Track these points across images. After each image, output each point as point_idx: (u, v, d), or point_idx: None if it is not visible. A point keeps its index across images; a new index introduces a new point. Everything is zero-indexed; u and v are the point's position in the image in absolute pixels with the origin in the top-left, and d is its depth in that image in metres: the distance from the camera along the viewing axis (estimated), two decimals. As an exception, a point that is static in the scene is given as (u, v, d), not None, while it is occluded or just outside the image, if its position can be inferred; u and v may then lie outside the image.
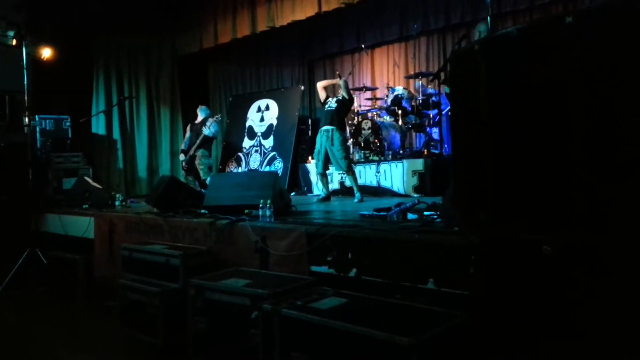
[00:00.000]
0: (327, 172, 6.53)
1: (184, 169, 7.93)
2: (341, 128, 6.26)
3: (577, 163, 1.67)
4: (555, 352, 1.80)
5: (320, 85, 6.65)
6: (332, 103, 6.32)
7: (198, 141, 7.75)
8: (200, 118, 8.05)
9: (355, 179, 6.22)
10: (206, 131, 7.74)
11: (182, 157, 7.99)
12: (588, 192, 1.66)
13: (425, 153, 6.96)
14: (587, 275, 1.70)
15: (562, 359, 1.78)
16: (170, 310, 4.01)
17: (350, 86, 9.09)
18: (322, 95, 6.53)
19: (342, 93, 6.37)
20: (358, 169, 7.18)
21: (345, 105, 6.38)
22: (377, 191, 6.92)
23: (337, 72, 6.94)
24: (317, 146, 6.26)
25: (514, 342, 2.00)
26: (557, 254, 1.70)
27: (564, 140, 1.71)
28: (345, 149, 6.24)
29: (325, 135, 6.16)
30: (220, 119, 8.46)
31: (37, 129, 7.76)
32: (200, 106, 8.22)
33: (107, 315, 5.00)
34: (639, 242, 1.59)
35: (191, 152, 7.75)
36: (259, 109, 9.39)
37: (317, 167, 6.34)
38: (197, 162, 7.73)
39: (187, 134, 8.07)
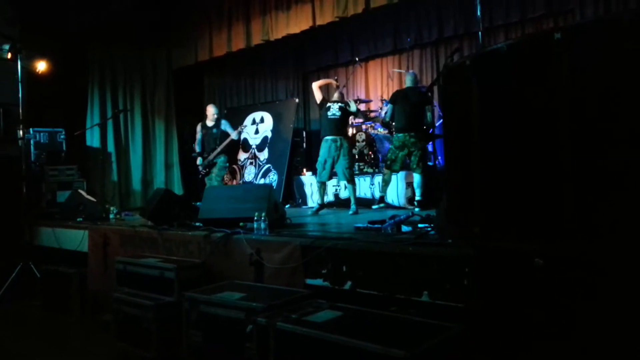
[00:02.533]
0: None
1: (203, 173, 7.69)
2: (347, 137, 6.35)
3: (567, 174, 1.70)
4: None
5: (315, 85, 6.64)
6: (335, 111, 6.29)
7: (221, 147, 7.60)
8: (213, 118, 7.74)
9: (355, 190, 6.27)
10: (235, 136, 7.73)
11: (199, 160, 7.70)
12: (577, 203, 1.68)
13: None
14: (578, 284, 1.71)
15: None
16: (164, 324, 4.00)
17: (344, 98, 9.18)
18: (317, 95, 6.52)
19: (351, 106, 6.37)
20: (353, 181, 7.22)
21: (349, 114, 6.48)
22: (372, 203, 6.94)
23: (336, 78, 7.00)
24: (324, 155, 6.20)
25: (509, 354, 2.01)
26: (548, 264, 1.72)
27: (553, 152, 1.73)
28: (351, 158, 6.34)
29: (333, 144, 6.16)
30: (243, 129, 8.38)
31: (32, 142, 7.74)
32: (210, 105, 7.98)
33: (101, 329, 4.97)
34: (629, 251, 1.62)
35: (211, 158, 7.58)
36: (254, 122, 9.42)
37: (321, 176, 6.28)
38: (215, 169, 7.57)
39: (199, 135, 7.77)
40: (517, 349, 1.88)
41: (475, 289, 2.49)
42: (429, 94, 6.06)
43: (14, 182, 6.91)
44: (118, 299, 4.41)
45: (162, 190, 5.88)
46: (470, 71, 2.02)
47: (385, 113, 6.74)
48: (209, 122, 7.74)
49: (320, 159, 6.25)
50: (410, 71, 6.86)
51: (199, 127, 7.84)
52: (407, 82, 6.39)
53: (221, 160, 7.67)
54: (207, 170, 7.66)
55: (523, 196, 1.80)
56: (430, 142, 6.97)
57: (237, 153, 9.35)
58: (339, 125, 6.26)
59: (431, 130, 6.37)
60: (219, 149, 7.59)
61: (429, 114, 6.12)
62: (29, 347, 4.82)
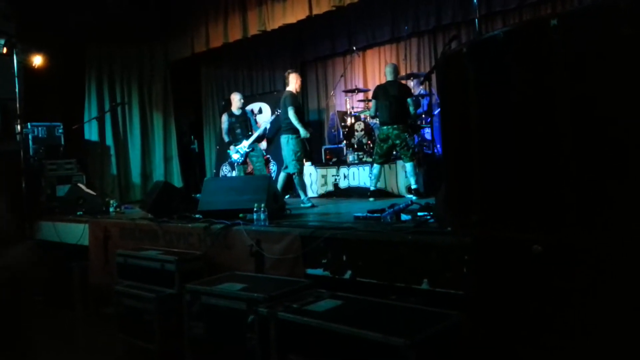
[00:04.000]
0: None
1: (240, 162, 7.47)
2: None
3: (566, 162, 1.70)
4: (550, 352, 1.83)
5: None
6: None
7: (258, 133, 7.48)
8: (240, 105, 7.54)
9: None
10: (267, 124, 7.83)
11: (234, 149, 7.43)
12: (576, 191, 1.68)
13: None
14: (577, 273, 1.72)
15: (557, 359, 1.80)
16: (166, 316, 4.02)
17: (342, 88, 9.16)
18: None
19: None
20: (352, 170, 7.23)
21: None
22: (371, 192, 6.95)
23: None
24: (302, 150, 6.35)
25: (509, 342, 2.02)
26: (547, 252, 1.72)
27: (552, 139, 1.73)
28: None
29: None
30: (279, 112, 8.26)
31: (30, 137, 7.73)
32: (234, 93, 7.83)
33: (103, 322, 5.00)
34: (628, 240, 1.62)
35: (250, 142, 7.37)
36: (252, 113, 9.38)
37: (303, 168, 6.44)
38: (259, 159, 7.44)
39: (226, 124, 7.53)
40: (515, 337, 1.90)
41: (473, 276, 2.50)
42: (423, 84, 6.08)
43: (13, 177, 6.91)
44: (119, 292, 4.43)
45: (161, 182, 5.88)
46: (467, 59, 2.01)
47: (370, 109, 6.84)
48: (236, 110, 7.53)
49: (302, 154, 6.33)
50: (390, 64, 6.87)
51: (225, 117, 7.60)
52: (387, 75, 6.48)
53: (258, 148, 7.57)
54: (244, 159, 7.47)
55: (522, 185, 1.81)
56: (429, 130, 6.98)
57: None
58: None
59: (412, 120, 6.46)
60: (256, 134, 7.41)
61: (411, 107, 6.25)
62: (35, 340, 4.84)
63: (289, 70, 6.60)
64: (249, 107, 9.41)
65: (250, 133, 7.41)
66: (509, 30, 1.87)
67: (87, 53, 9.34)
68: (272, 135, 8.93)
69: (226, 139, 7.59)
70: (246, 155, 7.40)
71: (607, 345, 1.65)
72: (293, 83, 6.34)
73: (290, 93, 6.30)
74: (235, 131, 7.44)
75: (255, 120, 8.25)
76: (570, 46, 1.68)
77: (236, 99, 7.56)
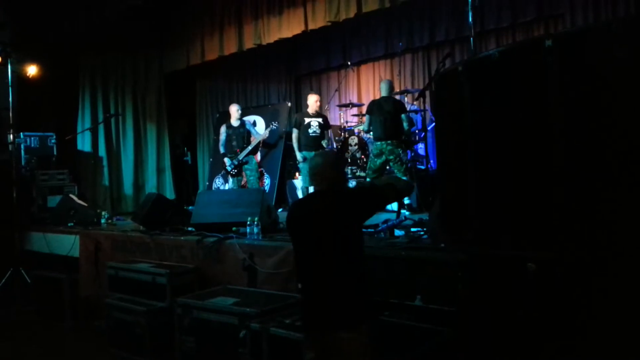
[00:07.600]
0: None
1: (233, 174, 7.55)
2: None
3: (559, 181, 1.71)
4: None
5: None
6: (316, 128, 6.71)
7: (252, 145, 7.49)
8: (238, 117, 7.65)
9: None
10: (264, 136, 7.85)
11: (228, 161, 7.52)
12: (569, 209, 1.69)
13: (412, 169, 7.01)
14: (571, 291, 1.73)
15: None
16: (157, 330, 3.98)
17: (336, 102, 9.21)
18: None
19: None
20: (345, 185, 7.25)
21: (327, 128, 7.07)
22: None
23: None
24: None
25: (501, 358, 2.02)
26: (540, 270, 1.73)
27: (546, 158, 1.75)
28: None
29: None
30: (276, 127, 8.24)
31: (22, 147, 7.67)
32: (233, 105, 7.86)
33: (93, 335, 4.94)
34: (615, 259, 1.63)
35: (242, 157, 7.44)
36: (254, 124, 9.37)
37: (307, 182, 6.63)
38: (252, 172, 7.49)
39: (223, 136, 7.62)
40: (508, 353, 1.90)
41: (468, 293, 2.50)
42: (414, 100, 6.19)
43: (4, 187, 6.86)
44: (110, 305, 4.39)
45: (154, 194, 5.85)
46: (462, 77, 2.03)
47: (364, 124, 6.93)
48: (235, 122, 7.61)
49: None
50: (385, 80, 6.95)
51: (223, 129, 7.67)
52: (382, 91, 6.53)
53: (254, 161, 7.60)
54: (237, 170, 7.50)
55: (516, 202, 1.82)
56: (423, 146, 7.01)
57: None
58: (319, 142, 6.80)
59: (406, 136, 6.51)
60: (250, 147, 7.45)
61: (405, 122, 6.29)
62: (24, 354, 4.77)
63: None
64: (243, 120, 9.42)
65: (245, 145, 7.46)
66: (504, 50, 1.90)
67: (81, 63, 9.31)
68: (267, 147, 8.92)
69: (221, 150, 7.62)
70: (240, 165, 7.42)
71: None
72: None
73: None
74: (232, 143, 7.49)
75: (256, 131, 8.23)
76: (564, 66, 1.71)
77: (234, 111, 7.65)
